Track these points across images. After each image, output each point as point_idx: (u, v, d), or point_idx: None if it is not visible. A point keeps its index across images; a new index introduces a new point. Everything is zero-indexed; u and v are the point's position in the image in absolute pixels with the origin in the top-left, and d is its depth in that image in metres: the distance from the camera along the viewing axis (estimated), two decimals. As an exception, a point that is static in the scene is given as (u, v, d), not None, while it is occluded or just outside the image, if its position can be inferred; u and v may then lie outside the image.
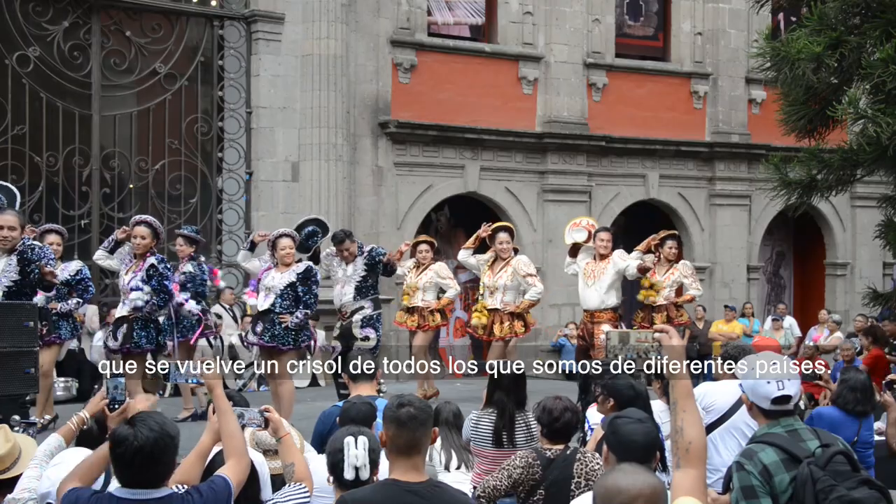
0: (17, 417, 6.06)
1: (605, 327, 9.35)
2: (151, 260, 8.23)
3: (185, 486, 3.36)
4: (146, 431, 3.13)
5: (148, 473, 3.16)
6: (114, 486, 3.67)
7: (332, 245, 9.32)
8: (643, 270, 9.76)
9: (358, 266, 9.13)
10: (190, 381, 3.93)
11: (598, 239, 9.72)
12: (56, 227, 9.02)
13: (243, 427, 3.94)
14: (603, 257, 9.63)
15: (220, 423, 3.65)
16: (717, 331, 15.28)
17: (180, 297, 8.90)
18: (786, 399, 3.43)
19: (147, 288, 8.16)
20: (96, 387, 10.89)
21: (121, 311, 8.33)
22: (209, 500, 3.29)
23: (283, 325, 8.19)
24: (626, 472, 2.63)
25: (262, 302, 8.33)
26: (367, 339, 9.09)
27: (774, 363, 3.50)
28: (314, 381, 12.30)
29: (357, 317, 9.09)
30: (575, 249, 10.01)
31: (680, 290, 10.72)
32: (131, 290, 8.20)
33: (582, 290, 9.77)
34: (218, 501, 3.32)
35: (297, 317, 8.22)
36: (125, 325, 8.25)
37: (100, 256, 8.63)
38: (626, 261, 9.62)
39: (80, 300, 8.59)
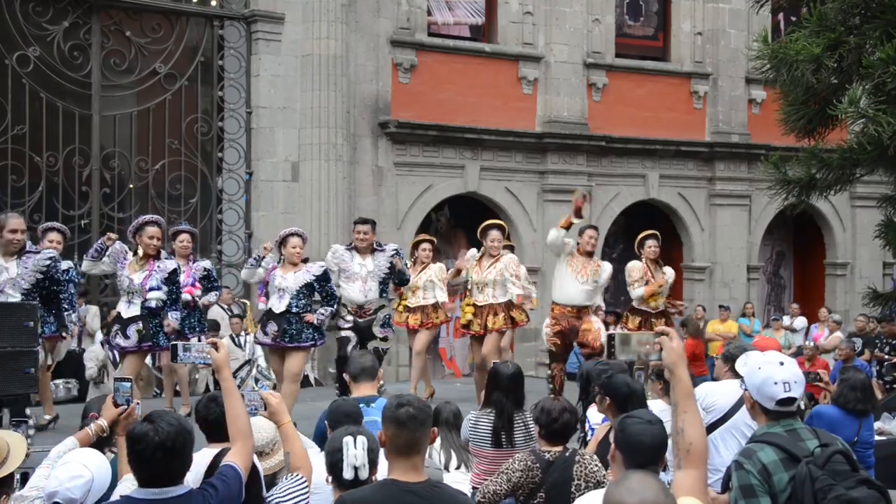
0: (29, 417, 6.10)
1: (595, 318, 9.36)
2: (172, 265, 8.18)
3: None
4: (166, 426, 3.13)
5: (167, 469, 3.16)
6: (120, 489, 3.68)
7: (355, 224, 9.19)
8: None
9: (381, 263, 9.02)
10: (198, 362, 3.93)
11: (586, 236, 9.42)
12: (58, 225, 8.94)
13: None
14: (590, 255, 9.41)
15: (226, 405, 3.65)
16: (714, 330, 15.29)
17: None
18: (790, 401, 3.43)
19: (165, 289, 8.05)
20: (91, 382, 10.94)
21: (130, 310, 8.05)
22: (224, 493, 3.29)
23: (303, 324, 8.23)
24: (633, 489, 2.60)
25: (278, 303, 8.27)
26: (385, 339, 9.15)
27: (779, 364, 3.49)
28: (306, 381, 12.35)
29: (381, 314, 9.06)
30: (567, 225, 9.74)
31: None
32: (150, 289, 8.01)
33: (570, 285, 9.33)
34: (231, 492, 3.33)
35: (321, 314, 8.29)
36: (139, 323, 8.02)
37: (87, 266, 8.37)
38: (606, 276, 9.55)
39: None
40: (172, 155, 13.05)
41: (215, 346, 3.78)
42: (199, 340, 7.74)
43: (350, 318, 9.03)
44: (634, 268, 10.25)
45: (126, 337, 8.00)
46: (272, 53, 13.28)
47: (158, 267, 8.06)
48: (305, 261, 8.53)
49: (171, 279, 8.06)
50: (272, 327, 8.27)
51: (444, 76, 14.60)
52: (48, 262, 7.69)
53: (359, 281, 8.97)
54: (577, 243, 9.44)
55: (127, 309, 8.04)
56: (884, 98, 7.78)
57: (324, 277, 8.35)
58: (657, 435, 3.57)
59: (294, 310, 8.21)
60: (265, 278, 8.47)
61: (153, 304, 7.95)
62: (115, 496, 3.65)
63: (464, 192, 14.90)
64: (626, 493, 2.59)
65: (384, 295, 9.12)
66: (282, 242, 8.41)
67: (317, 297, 8.53)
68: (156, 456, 3.12)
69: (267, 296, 8.47)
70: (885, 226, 9.78)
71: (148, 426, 3.14)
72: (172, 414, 3.25)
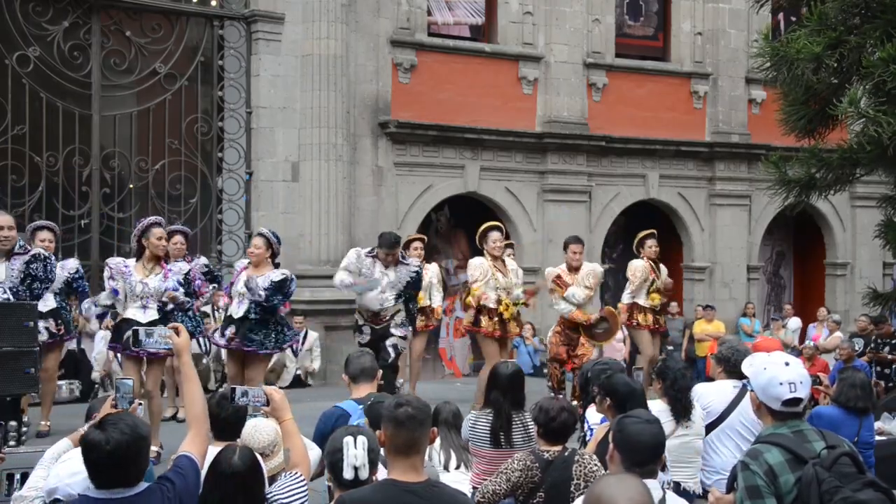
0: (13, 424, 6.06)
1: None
2: (185, 266, 8.10)
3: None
4: (118, 435, 3.07)
5: (122, 475, 3.13)
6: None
7: (383, 248, 8.99)
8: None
9: (402, 275, 9.03)
10: (160, 347, 3.93)
11: (570, 251, 9.59)
12: (48, 223, 8.84)
13: (247, 406, 3.95)
14: (576, 269, 9.57)
15: (184, 389, 3.65)
16: (702, 330, 15.30)
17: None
18: (796, 402, 3.42)
19: (182, 290, 7.87)
20: (97, 385, 10.92)
21: (147, 315, 7.75)
22: (181, 486, 3.27)
23: (268, 331, 8.24)
24: (612, 484, 2.69)
25: (237, 308, 8.15)
26: (404, 337, 9.21)
27: (785, 364, 3.48)
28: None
29: (397, 317, 9.07)
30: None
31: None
32: (167, 290, 7.77)
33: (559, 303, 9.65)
34: (188, 483, 3.30)
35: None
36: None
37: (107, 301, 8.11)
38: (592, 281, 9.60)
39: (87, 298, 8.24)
40: (172, 155, 13.04)
41: (177, 330, 3.77)
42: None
43: (367, 329, 9.01)
44: (638, 268, 10.32)
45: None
46: (272, 53, 13.27)
47: (172, 269, 7.95)
48: (277, 265, 8.51)
49: (187, 280, 8.00)
50: (230, 330, 8.17)
51: (444, 76, 14.59)
52: (35, 263, 7.59)
53: (376, 291, 8.94)
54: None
55: (143, 314, 7.76)
56: (884, 98, 7.78)
57: (276, 287, 8.22)
58: (656, 434, 3.58)
59: (251, 317, 8.10)
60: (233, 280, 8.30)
61: (171, 305, 7.80)
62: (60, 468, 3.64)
63: (464, 192, 14.89)
64: (604, 486, 2.67)
65: (398, 301, 9.10)
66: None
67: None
68: (109, 464, 3.09)
69: (230, 296, 8.27)
70: (885, 226, 9.79)
71: (100, 435, 3.09)
72: (127, 420, 3.18)
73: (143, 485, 3.19)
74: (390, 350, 8.85)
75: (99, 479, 3.13)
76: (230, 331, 8.15)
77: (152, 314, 7.77)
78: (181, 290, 7.84)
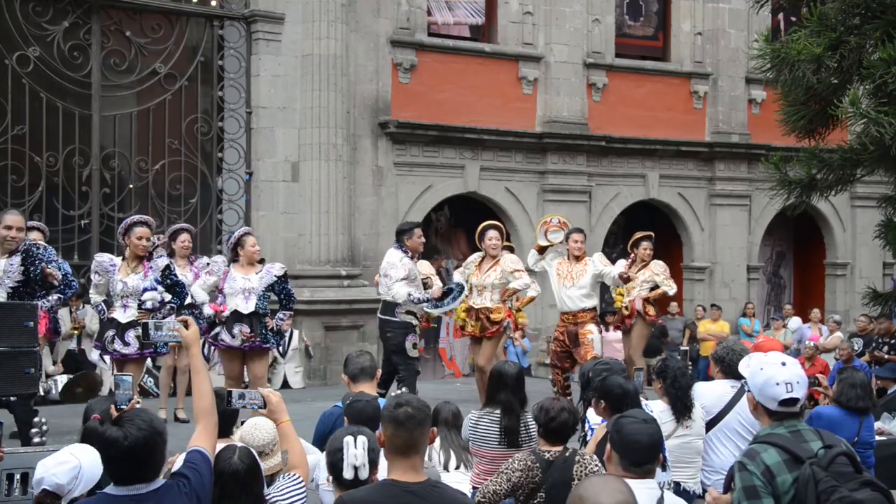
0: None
1: (591, 326, 9.31)
2: (164, 262, 8.06)
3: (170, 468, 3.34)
4: (135, 431, 3.09)
5: (139, 470, 3.14)
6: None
7: (415, 232, 9.03)
8: (625, 280, 9.59)
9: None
10: (168, 339, 3.92)
11: (571, 240, 9.49)
12: (37, 224, 8.77)
13: (243, 408, 3.95)
14: (577, 259, 9.45)
15: (193, 381, 3.65)
16: (706, 330, 15.31)
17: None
18: (793, 402, 3.42)
19: (161, 288, 7.82)
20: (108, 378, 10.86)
21: (127, 314, 7.75)
22: (196, 481, 3.27)
23: (265, 326, 8.24)
24: (595, 484, 2.71)
25: (244, 304, 8.17)
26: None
27: (781, 365, 3.48)
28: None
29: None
30: (542, 248, 9.74)
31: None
32: (144, 290, 7.75)
33: (559, 292, 9.51)
34: (203, 478, 3.31)
35: (280, 318, 8.39)
36: (137, 329, 7.57)
37: (95, 299, 8.16)
38: (608, 266, 9.49)
39: (61, 296, 8.08)
40: (172, 155, 13.04)
41: (186, 323, 3.77)
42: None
43: (419, 330, 8.96)
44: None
45: (126, 343, 7.68)
46: (272, 53, 13.27)
47: (152, 267, 7.90)
48: (262, 261, 8.50)
49: (165, 276, 7.92)
50: (242, 328, 8.14)
51: (444, 76, 14.59)
52: (25, 251, 7.50)
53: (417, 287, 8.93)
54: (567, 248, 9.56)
55: (123, 314, 7.74)
56: (885, 98, 7.78)
57: (284, 279, 8.36)
58: (653, 433, 3.58)
59: (260, 311, 8.19)
60: (221, 286, 8.31)
61: (149, 304, 7.69)
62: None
63: (464, 192, 14.89)
64: (586, 486, 2.68)
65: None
66: (238, 243, 8.32)
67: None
68: (127, 461, 3.10)
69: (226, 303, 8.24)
70: (885, 226, 9.80)
71: (118, 432, 3.10)
72: (143, 416, 3.19)
73: (160, 481, 3.20)
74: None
75: (117, 475, 3.15)
76: (244, 329, 8.13)
77: (132, 314, 7.72)
78: (159, 287, 7.80)
